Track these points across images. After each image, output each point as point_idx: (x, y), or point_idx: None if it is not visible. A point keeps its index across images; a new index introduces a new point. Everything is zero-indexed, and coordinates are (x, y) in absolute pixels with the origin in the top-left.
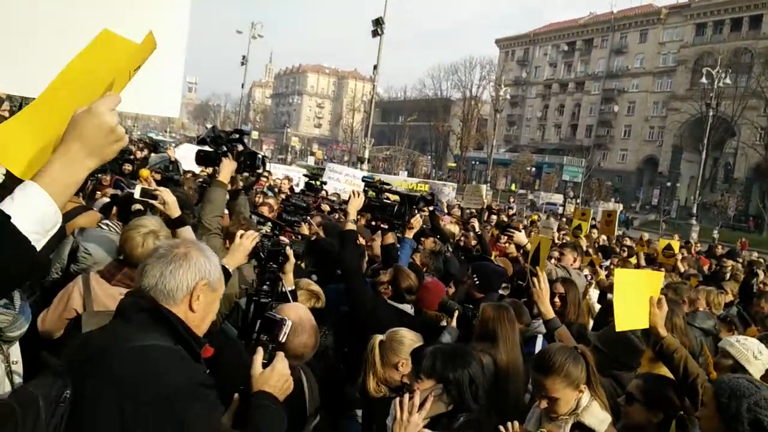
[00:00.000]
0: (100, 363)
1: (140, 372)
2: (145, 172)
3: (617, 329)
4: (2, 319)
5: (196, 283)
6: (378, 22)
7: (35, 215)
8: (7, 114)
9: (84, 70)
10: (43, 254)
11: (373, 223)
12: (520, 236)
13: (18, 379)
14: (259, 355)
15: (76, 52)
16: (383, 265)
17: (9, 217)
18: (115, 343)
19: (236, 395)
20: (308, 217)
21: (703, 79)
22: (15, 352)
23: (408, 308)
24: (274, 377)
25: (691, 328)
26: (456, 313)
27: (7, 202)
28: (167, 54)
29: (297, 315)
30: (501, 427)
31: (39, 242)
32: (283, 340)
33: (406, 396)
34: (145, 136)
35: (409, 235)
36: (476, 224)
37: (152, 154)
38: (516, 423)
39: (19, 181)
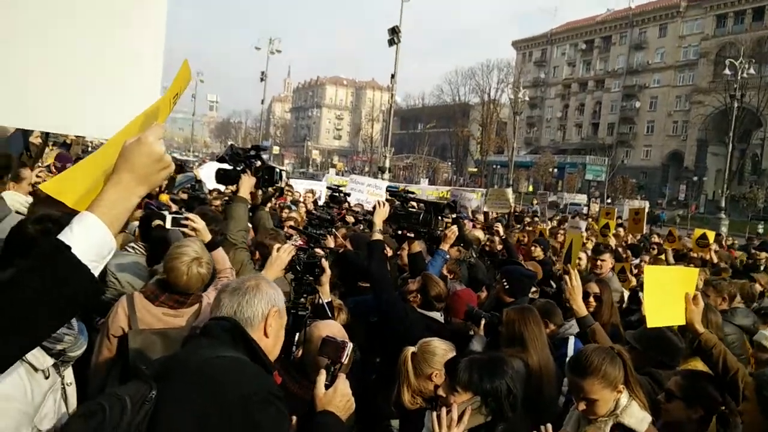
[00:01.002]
0: (185, 369)
1: (223, 377)
2: (163, 197)
3: (648, 326)
4: (68, 339)
5: (269, 310)
6: (394, 31)
7: (93, 244)
8: (39, 140)
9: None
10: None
11: (399, 232)
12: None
13: (72, 401)
14: (322, 377)
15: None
16: (411, 274)
17: (69, 248)
18: (200, 352)
19: (294, 418)
20: (333, 230)
21: (727, 71)
22: (69, 374)
23: (438, 316)
24: (337, 397)
25: (730, 325)
26: (483, 321)
27: (67, 233)
28: (146, 74)
29: (331, 332)
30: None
31: (97, 269)
32: (346, 362)
33: (443, 410)
34: (170, 155)
35: (446, 246)
36: (500, 228)
37: (178, 175)
38: (549, 426)
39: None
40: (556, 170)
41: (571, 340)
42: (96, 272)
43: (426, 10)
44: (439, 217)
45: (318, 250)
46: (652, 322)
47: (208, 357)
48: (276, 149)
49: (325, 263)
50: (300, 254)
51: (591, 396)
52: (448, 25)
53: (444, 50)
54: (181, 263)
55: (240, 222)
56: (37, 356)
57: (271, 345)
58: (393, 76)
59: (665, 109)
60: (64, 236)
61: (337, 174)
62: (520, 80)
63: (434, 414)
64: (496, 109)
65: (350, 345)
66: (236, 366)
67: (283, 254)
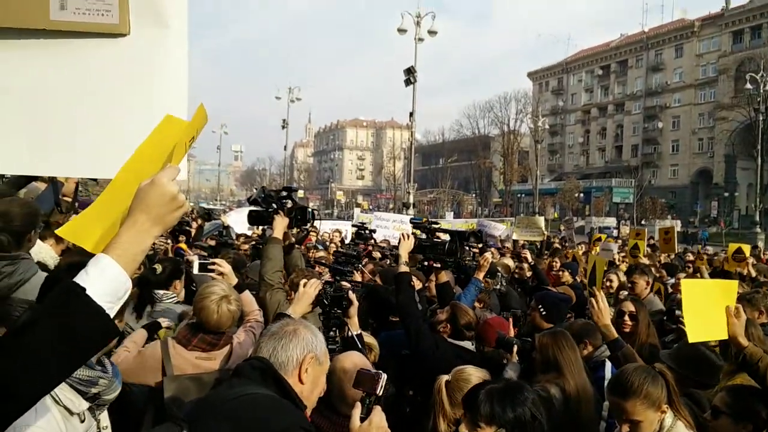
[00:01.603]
0: (217, 408)
1: (253, 414)
2: (182, 246)
3: (690, 341)
4: (102, 383)
5: (304, 356)
6: (410, 71)
7: (108, 285)
8: (69, 198)
9: (147, 152)
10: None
11: (426, 263)
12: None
13: None
14: (357, 410)
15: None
16: (440, 304)
17: (84, 289)
18: (231, 391)
19: None
20: (360, 265)
21: (748, 85)
22: (105, 417)
23: (469, 345)
24: (372, 430)
25: None
26: (515, 348)
27: (83, 275)
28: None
29: (352, 363)
30: None
31: (112, 310)
32: (381, 393)
33: None
34: (197, 206)
35: (480, 275)
36: (528, 255)
37: (206, 223)
38: None
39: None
40: (582, 195)
41: (608, 365)
42: (112, 313)
43: (440, 49)
44: (465, 246)
45: (344, 283)
46: (693, 337)
47: (238, 395)
48: (301, 193)
49: (352, 295)
50: (327, 288)
51: (634, 417)
52: (462, 62)
53: (461, 86)
54: (210, 302)
55: (276, 262)
56: (73, 400)
57: (308, 391)
58: (411, 114)
59: (689, 127)
60: (80, 278)
61: (362, 212)
62: (538, 109)
63: None
64: (517, 139)
65: (384, 376)
66: (266, 402)
67: (309, 289)
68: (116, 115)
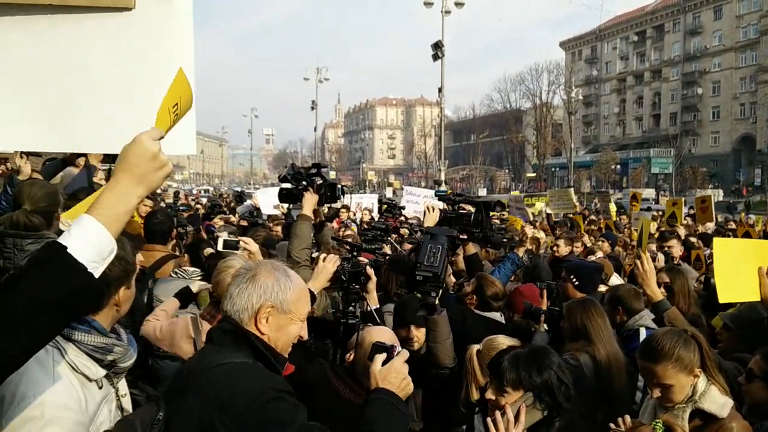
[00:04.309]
0: (189, 383)
1: (223, 387)
2: (217, 221)
3: (720, 301)
4: (117, 350)
5: (261, 304)
6: (437, 46)
7: (91, 245)
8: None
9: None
10: (105, 282)
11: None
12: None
13: (129, 411)
14: (380, 357)
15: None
16: (468, 276)
17: (65, 247)
18: (201, 364)
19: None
20: (389, 238)
21: None
22: (123, 385)
23: (497, 316)
24: (392, 374)
25: None
26: (542, 317)
27: (65, 235)
28: None
29: (382, 338)
30: (612, 425)
31: (97, 269)
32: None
33: (498, 413)
34: (231, 190)
35: (521, 252)
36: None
37: (238, 207)
38: (627, 417)
39: None
40: (618, 167)
41: (642, 332)
42: (96, 273)
43: (467, 22)
44: (491, 217)
45: (362, 258)
46: (723, 298)
47: (209, 367)
48: (332, 174)
49: (370, 271)
50: (344, 264)
51: (665, 381)
52: (491, 34)
53: (490, 59)
54: (227, 275)
55: (303, 240)
56: (89, 367)
57: (273, 340)
58: (440, 90)
59: (730, 92)
60: (63, 238)
61: (393, 193)
62: (571, 80)
63: (489, 420)
64: (550, 111)
65: (399, 349)
66: (236, 373)
67: (328, 264)
68: (122, 90)
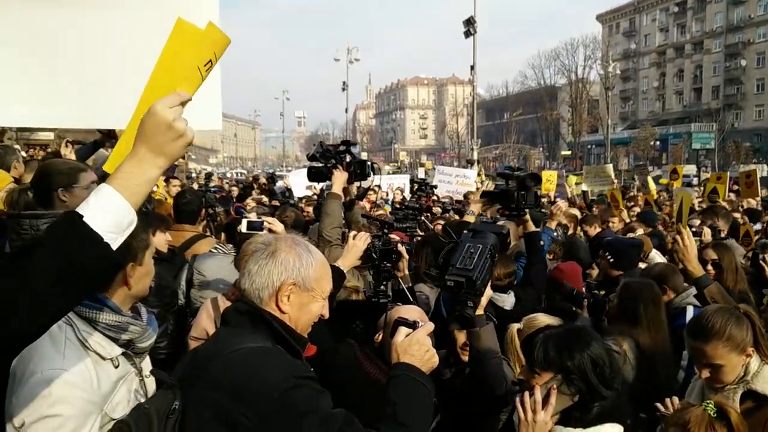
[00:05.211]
0: (205, 371)
1: (240, 375)
2: (250, 203)
3: None
4: (133, 330)
5: (282, 282)
6: (469, 22)
7: (109, 215)
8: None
9: (165, 70)
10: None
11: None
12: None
13: (152, 392)
14: (403, 330)
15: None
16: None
17: (81, 216)
18: (216, 350)
19: None
20: (422, 218)
21: None
22: (147, 365)
23: (508, 297)
24: (414, 346)
25: None
26: (585, 302)
27: (83, 205)
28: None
29: (411, 316)
30: (659, 405)
31: (115, 241)
32: None
33: (526, 394)
34: (264, 172)
35: (552, 224)
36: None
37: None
38: (675, 398)
39: None
40: (658, 143)
41: (690, 310)
42: (114, 244)
43: None
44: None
45: (393, 236)
46: None
47: (225, 352)
48: (364, 155)
49: (402, 249)
50: (375, 242)
51: (716, 361)
52: (525, 10)
53: (524, 36)
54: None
55: (334, 218)
56: (104, 345)
57: (294, 319)
58: (473, 68)
59: None
60: (80, 208)
61: (426, 173)
62: (608, 54)
63: (518, 399)
64: (586, 87)
65: (422, 324)
66: (253, 360)
67: (359, 242)
68: (138, 65)
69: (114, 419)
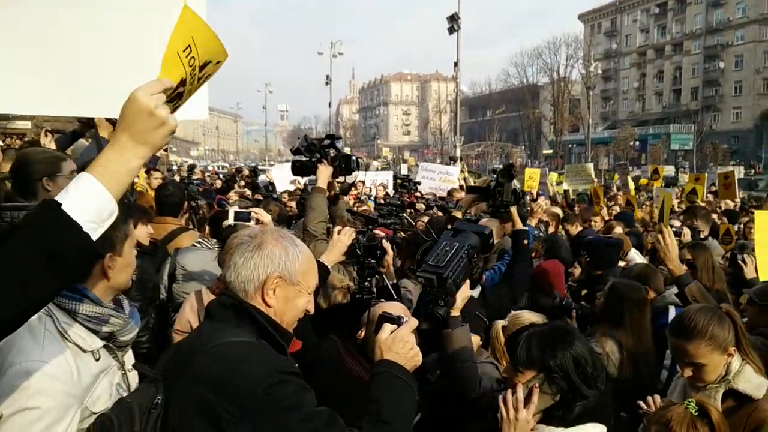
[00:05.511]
0: (189, 364)
1: (223, 369)
2: (232, 196)
3: (761, 279)
4: (115, 322)
5: (268, 275)
6: (453, 18)
7: (88, 203)
8: None
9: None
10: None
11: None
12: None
13: (135, 386)
14: (388, 327)
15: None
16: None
17: (60, 204)
18: (200, 343)
19: None
20: (404, 214)
21: None
22: (129, 358)
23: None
24: (397, 343)
25: None
26: (574, 313)
27: (62, 193)
28: None
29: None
30: (641, 403)
31: (95, 231)
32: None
33: (509, 392)
34: (246, 166)
35: (533, 222)
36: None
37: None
38: (657, 396)
39: None
40: (637, 143)
41: (672, 310)
42: (94, 234)
43: None
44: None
45: (378, 231)
46: (765, 274)
47: (208, 346)
48: (347, 150)
49: (386, 245)
50: (360, 237)
51: (698, 360)
52: (508, 8)
53: (507, 33)
54: None
55: (319, 213)
56: (84, 337)
57: (280, 313)
58: (456, 64)
59: (753, 66)
60: (59, 196)
61: (408, 170)
62: (590, 53)
63: (500, 397)
64: (567, 86)
65: (406, 320)
66: (237, 354)
67: (343, 237)
68: (135, 53)
69: (95, 413)
